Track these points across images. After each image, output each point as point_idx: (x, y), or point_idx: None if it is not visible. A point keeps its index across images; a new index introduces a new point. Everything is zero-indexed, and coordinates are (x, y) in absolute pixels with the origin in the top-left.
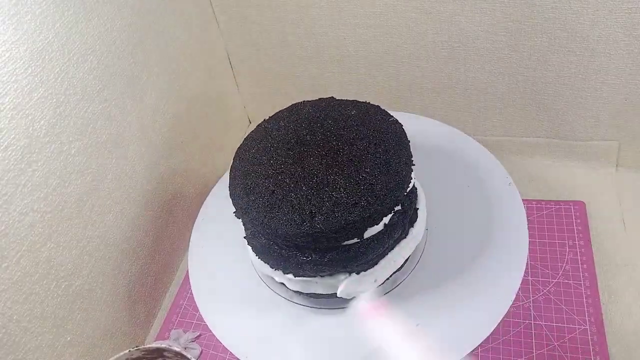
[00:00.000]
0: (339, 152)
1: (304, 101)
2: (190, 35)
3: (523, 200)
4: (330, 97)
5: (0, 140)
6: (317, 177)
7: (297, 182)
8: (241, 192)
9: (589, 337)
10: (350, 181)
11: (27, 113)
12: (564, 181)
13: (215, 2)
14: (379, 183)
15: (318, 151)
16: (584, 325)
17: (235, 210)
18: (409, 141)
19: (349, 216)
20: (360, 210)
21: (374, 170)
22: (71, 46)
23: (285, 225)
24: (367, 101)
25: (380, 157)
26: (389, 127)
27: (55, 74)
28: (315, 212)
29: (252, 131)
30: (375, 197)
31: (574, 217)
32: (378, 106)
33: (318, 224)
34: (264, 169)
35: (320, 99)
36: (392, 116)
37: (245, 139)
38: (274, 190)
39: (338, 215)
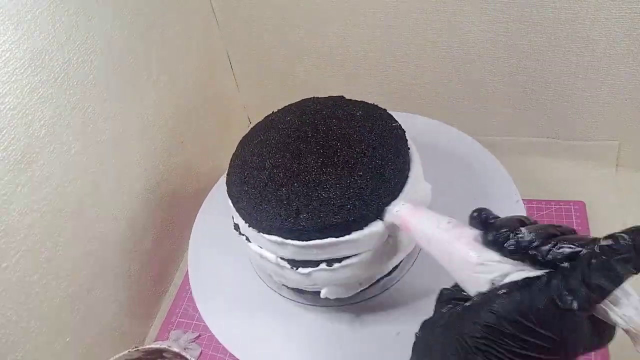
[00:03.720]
0: (337, 152)
1: (313, 98)
2: (190, 35)
3: (523, 200)
4: (339, 96)
5: (1, 140)
6: (310, 175)
7: (290, 177)
8: (236, 181)
9: None
10: (341, 183)
11: (27, 113)
12: (564, 181)
13: (215, 2)
14: (369, 187)
15: (317, 149)
16: None
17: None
18: (409, 149)
19: (333, 217)
20: (345, 213)
21: (366, 175)
22: (71, 46)
23: (271, 219)
24: (373, 102)
25: (375, 162)
26: (391, 133)
27: (55, 73)
28: (301, 210)
29: (259, 122)
30: (363, 201)
31: (574, 217)
32: (384, 110)
33: (302, 221)
34: (261, 160)
35: (329, 96)
36: (396, 121)
37: (251, 129)
38: (267, 183)
39: (322, 215)
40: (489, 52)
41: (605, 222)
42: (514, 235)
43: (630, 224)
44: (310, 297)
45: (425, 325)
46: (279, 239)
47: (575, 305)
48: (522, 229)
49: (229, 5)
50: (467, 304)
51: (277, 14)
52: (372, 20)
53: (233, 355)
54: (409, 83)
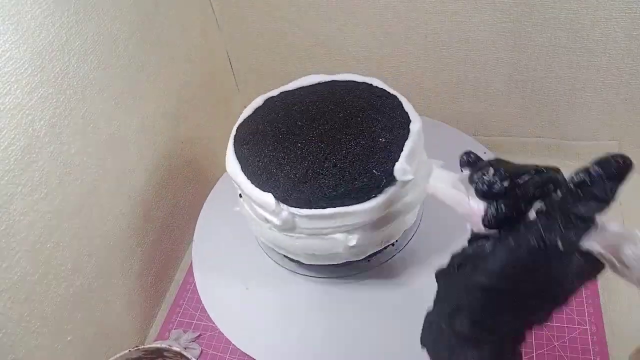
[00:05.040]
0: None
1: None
2: (190, 35)
3: None
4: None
5: (1, 140)
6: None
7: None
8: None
9: (589, 337)
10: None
11: (28, 113)
12: None
13: (215, 2)
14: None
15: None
16: (584, 325)
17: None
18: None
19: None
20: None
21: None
22: (71, 46)
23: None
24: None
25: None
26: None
27: (56, 74)
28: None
29: (287, 90)
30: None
31: None
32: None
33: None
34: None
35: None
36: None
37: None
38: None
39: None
40: (489, 52)
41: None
42: (480, 177)
43: (630, 224)
44: (313, 269)
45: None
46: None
47: (559, 242)
48: (490, 169)
49: (229, 5)
50: (461, 264)
51: (276, 14)
52: (372, 21)
53: (233, 355)
54: (409, 83)
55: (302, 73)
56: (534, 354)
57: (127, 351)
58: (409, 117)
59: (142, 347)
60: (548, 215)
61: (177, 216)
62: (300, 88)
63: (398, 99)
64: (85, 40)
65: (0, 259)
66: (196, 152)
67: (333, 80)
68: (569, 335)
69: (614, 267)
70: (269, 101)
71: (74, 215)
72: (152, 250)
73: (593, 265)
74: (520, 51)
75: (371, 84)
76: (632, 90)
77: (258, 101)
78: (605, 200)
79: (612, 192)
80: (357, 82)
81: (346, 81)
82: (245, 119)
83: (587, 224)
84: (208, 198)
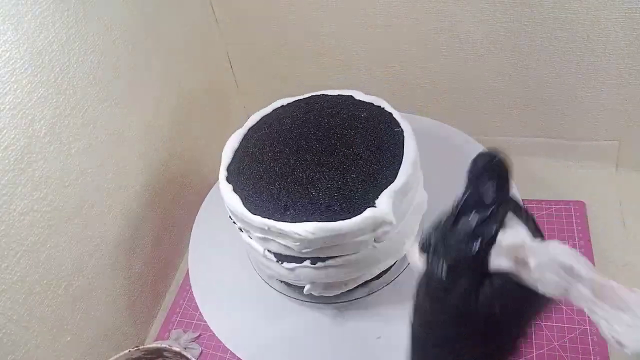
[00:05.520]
0: (334, 152)
1: (322, 94)
2: (190, 35)
3: (523, 200)
4: (349, 95)
5: (1, 140)
6: (304, 172)
7: (284, 173)
8: (234, 170)
9: (589, 337)
10: (332, 184)
11: (27, 113)
12: (564, 181)
13: (215, 2)
14: (359, 191)
15: (316, 147)
16: (584, 325)
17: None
18: (404, 155)
19: (319, 217)
20: (331, 214)
21: (359, 177)
22: (71, 46)
23: (260, 212)
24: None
25: (369, 167)
26: (391, 138)
27: (55, 73)
28: (289, 206)
29: (267, 113)
30: (350, 204)
31: (573, 217)
32: (390, 114)
33: (288, 217)
34: (261, 153)
35: (339, 95)
36: (399, 126)
37: (260, 118)
38: (262, 175)
39: (309, 214)
40: (490, 52)
41: (605, 222)
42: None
43: (629, 223)
44: (306, 294)
45: None
46: (263, 233)
47: (443, 271)
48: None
49: (229, 5)
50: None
51: (277, 14)
52: (372, 21)
53: (233, 355)
54: (409, 83)
55: (303, 73)
56: (534, 354)
57: (127, 351)
58: (368, 103)
59: (142, 347)
60: (436, 247)
61: (177, 216)
62: (251, 129)
63: (352, 96)
64: (85, 40)
65: (0, 259)
66: (196, 152)
67: (275, 110)
68: (569, 335)
69: (527, 281)
70: (239, 148)
71: (74, 215)
72: (152, 250)
73: (515, 286)
74: (520, 51)
75: (316, 95)
76: (632, 90)
77: (227, 153)
78: (489, 206)
79: (490, 200)
80: (300, 99)
81: (291, 103)
82: (232, 165)
83: (475, 239)
84: (206, 199)
